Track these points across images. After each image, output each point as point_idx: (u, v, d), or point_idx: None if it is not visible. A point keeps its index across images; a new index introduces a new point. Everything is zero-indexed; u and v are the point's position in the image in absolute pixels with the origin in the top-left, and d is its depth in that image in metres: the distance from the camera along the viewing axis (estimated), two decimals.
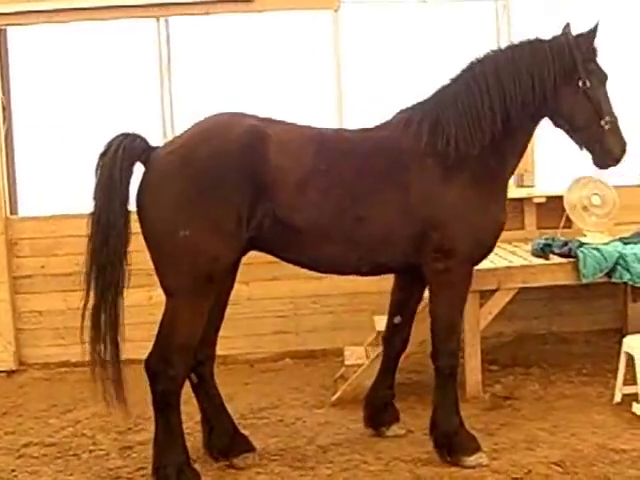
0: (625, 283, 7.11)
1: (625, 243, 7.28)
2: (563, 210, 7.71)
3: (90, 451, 5.99)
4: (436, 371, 5.48)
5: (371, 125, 5.62)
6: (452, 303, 5.45)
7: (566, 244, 7.16)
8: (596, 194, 7.61)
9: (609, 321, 8.63)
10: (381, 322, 7.50)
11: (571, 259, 6.92)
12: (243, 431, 5.76)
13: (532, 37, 5.52)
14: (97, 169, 5.05)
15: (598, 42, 5.51)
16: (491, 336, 8.13)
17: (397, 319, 5.92)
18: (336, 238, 5.20)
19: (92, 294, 5.01)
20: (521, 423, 6.13)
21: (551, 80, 5.36)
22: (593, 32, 5.47)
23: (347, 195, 5.16)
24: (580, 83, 5.38)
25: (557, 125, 5.62)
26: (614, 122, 5.44)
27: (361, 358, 7.11)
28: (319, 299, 8.56)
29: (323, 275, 7.99)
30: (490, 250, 5.64)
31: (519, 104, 5.36)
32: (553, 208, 7.65)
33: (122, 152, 4.98)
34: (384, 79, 8.66)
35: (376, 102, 8.50)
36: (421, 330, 6.65)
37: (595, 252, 6.86)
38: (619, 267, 6.85)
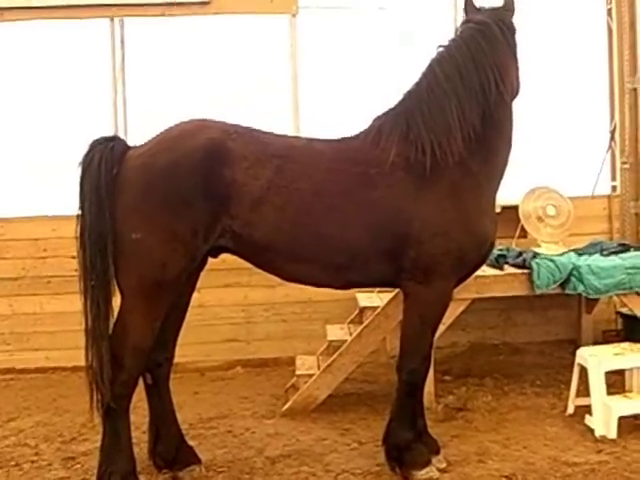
0: (579, 294, 7.13)
1: (579, 254, 7.30)
2: (518, 220, 7.70)
3: (32, 461, 5.81)
4: (398, 383, 5.34)
5: (349, 134, 5.37)
6: (424, 323, 5.22)
7: (520, 255, 7.16)
8: (551, 205, 7.62)
9: (563, 332, 8.66)
10: (333, 331, 7.44)
11: (525, 270, 6.91)
12: (190, 442, 5.64)
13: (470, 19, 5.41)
14: (81, 180, 4.96)
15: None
16: (445, 346, 8.12)
17: None
18: (297, 256, 5.06)
19: (89, 306, 4.95)
20: (473, 435, 6.07)
21: (507, 60, 5.27)
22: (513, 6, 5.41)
23: (306, 212, 4.99)
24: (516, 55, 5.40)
25: None
26: None
27: (312, 368, 7.00)
28: (272, 307, 8.46)
29: (276, 283, 7.88)
30: (476, 267, 5.47)
31: (491, 94, 5.14)
32: (508, 218, 7.60)
33: (105, 164, 4.91)
34: (342, 84, 8.60)
35: (333, 107, 8.48)
36: (372, 340, 6.64)
37: (549, 263, 6.85)
38: (573, 278, 6.85)
